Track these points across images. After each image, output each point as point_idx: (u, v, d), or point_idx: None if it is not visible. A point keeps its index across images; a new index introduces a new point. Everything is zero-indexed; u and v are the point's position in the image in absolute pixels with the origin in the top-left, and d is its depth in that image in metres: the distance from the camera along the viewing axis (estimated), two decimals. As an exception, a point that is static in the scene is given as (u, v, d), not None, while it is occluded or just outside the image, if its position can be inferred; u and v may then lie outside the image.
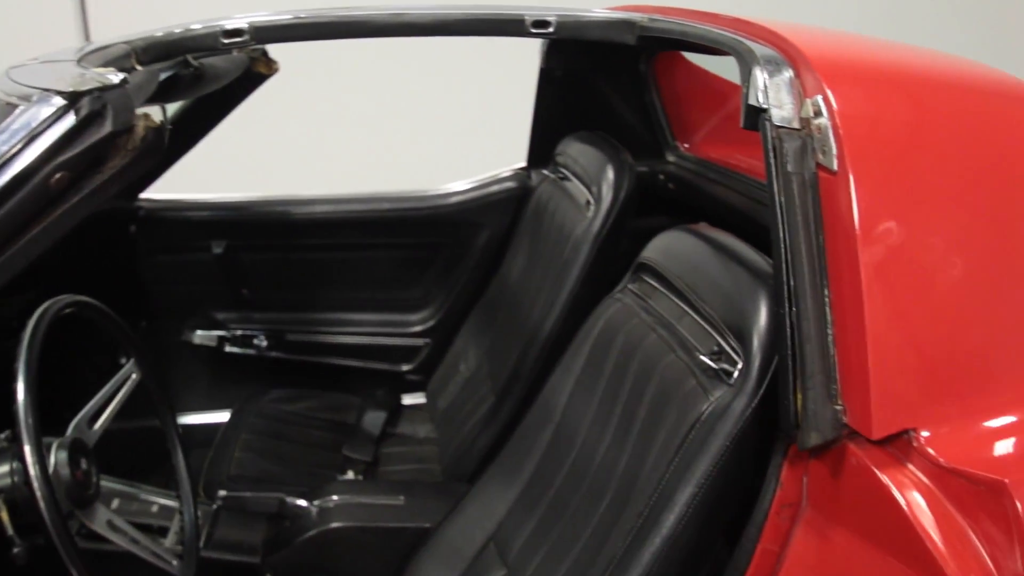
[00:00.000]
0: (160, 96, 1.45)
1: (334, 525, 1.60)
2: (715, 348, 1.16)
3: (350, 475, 1.93)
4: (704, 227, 1.39)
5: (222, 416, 2.20)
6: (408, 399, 2.27)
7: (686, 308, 1.27)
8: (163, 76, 1.41)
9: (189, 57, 1.53)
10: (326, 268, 2.25)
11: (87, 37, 3.44)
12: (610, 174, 1.72)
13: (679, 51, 1.94)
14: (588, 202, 1.76)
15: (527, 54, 2.04)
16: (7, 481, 1.15)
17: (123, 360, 1.45)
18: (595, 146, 1.85)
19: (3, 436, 1.31)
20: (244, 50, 1.71)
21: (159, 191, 2.18)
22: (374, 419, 2.11)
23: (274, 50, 1.81)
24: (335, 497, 1.66)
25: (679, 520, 1.07)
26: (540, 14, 1.47)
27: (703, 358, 1.16)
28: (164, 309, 2.26)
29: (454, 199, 2.20)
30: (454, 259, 2.24)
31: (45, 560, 1.12)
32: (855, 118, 1.01)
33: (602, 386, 1.37)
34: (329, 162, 3.43)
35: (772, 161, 1.01)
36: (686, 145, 2.06)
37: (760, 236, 1.32)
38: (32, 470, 1.02)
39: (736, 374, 1.10)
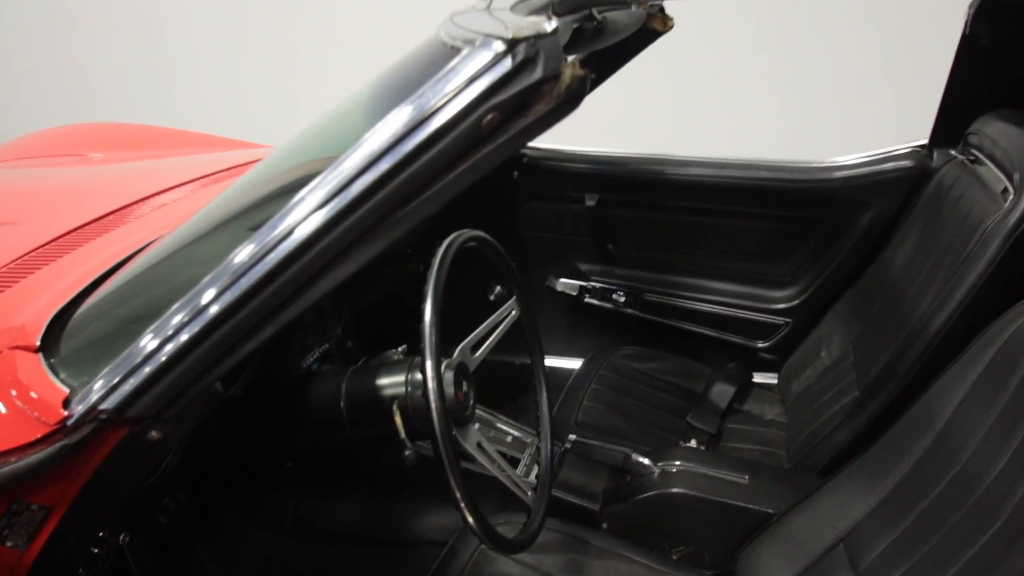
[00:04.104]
0: (566, 48, 1.49)
1: (675, 490, 1.59)
2: None
3: (692, 443, 1.91)
4: None
5: (573, 363, 2.28)
6: (759, 377, 2.19)
7: None
8: (572, 27, 1.45)
9: (594, 10, 1.56)
10: (693, 232, 2.22)
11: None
12: None
13: None
14: (1006, 190, 1.54)
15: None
16: (401, 390, 1.28)
17: (492, 297, 1.53)
18: (1023, 127, 1.61)
19: (399, 350, 1.46)
20: (645, 6, 1.71)
21: (541, 141, 2.28)
22: (722, 392, 2.07)
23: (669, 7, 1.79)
24: (678, 463, 1.65)
25: (1093, 570, 0.91)
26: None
27: None
28: (532, 254, 2.38)
29: (839, 174, 2.04)
30: (830, 238, 2.10)
31: (424, 468, 1.23)
32: None
33: (1004, 400, 1.20)
34: (704, 126, 3.39)
35: None
36: None
37: None
38: (431, 383, 1.11)
39: None
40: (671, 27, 1.82)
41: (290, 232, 0.96)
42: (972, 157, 1.75)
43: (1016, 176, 1.52)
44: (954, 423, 1.29)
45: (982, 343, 1.30)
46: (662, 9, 1.79)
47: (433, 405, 1.10)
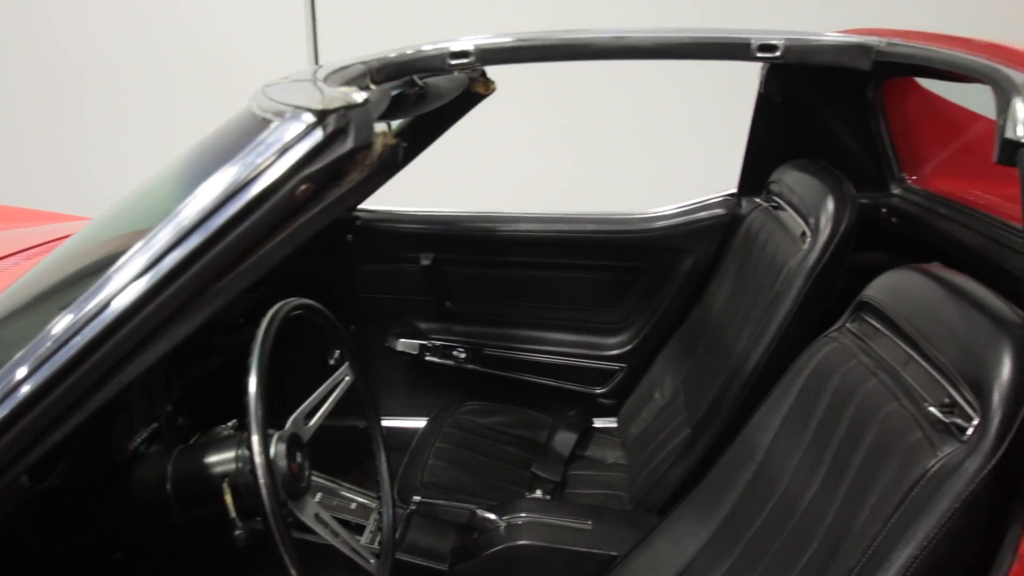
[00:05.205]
0: (388, 114, 1.52)
1: (521, 542, 1.60)
2: (946, 400, 1.06)
3: (538, 493, 1.93)
4: (937, 267, 1.28)
5: (417, 423, 2.27)
6: (599, 422, 2.25)
7: (913, 354, 1.18)
8: (392, 94, 1.48)
9: (415, 77, 1.60)
10: (527, 286, 2.28)
11: (316, 60, 3.69)
12: (830, 205, 1.63)
13: (913, 77, 1.82)
14: (804, 233, 1.67)
15: (736, 77, 1.99)
16: (231, 467, 1.24)
17: (331, 361, 1.52)
18: (814, 175, 1.77)
19: (229, 425, 1.41)
20: (466, 71, 1.76)
21: (374, 203, 2.29)
22: (564, 440, 2.11)
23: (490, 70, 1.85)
24: (523, 514, 1.66)
25: (895, 582, 0.98)
26: (767, 38, 1.42)
27: (932, 409, 1.07)
28: (371, 315, 2.37)
29: (659, 223, 2.17)
30: (655, 284, 2.20)
31: (257, 544, 1.19)
32: None
33: (812, 429, 1.29)
34: (532, 182, 3.50)
35: None
36: (913, 177, 1.92)
37: (1001, 281, 1.20)
38: (258, 459, 1.09)
39: (971, 430, 1.00)
40: (494, 90, 1.88)
41: (103, 309, 0.92)
42: (775, 204, 1.90)
43: (811, 220, 1.66)
44: (771, 454, 1.37)
45: (790, 376, 1.40)
46: (484, 73, 1.86)
47: (262, 480, 1.07)
